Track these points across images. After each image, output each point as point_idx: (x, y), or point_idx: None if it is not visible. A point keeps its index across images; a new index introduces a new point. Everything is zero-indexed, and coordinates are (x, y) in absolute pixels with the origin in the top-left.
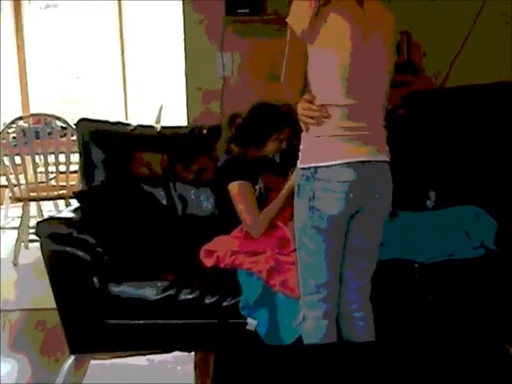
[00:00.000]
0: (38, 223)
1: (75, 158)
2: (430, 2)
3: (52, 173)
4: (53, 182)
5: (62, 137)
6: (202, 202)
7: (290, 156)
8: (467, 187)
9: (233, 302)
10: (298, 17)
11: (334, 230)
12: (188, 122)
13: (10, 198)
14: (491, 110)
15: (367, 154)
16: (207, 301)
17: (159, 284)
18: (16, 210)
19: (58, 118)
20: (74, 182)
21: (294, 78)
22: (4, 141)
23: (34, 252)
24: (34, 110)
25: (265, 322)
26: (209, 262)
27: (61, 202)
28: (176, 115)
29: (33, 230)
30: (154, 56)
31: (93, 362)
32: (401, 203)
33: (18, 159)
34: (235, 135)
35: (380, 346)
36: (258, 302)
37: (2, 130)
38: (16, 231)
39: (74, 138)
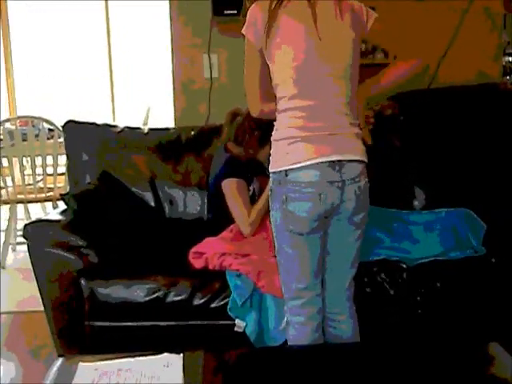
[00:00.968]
0: (26, 225)
1: (62, 160)
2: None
3: (39, 175)
4: (40, 185)
5: (49, 139)
6: (191, 203)
7: None
8: (456, 189)
9: (221, 303)
10: (253, 25)
11: (308, 233)
12: (175, 124)
13: None
14: (480, 112)
15: (335, 154)
16: (195, 302)
17: (147, 286)
18: (3, 213)
19: (45, 120)
20: (62, 184)
21: (252, 86)
22: None
23: (21, 254)
24: (20, 111)
25: (253, 324)
26: (198, 264)
27: (48, 205)
28: (163, 117)
29: (20, 233)
30: (141, 57)
31: (81, 364)
32: (388, 203)
33: (4, 161)
34: (235, 134)
35: (367, 347)
36: (246, 304)
37: None
38: (3, 234)
39: (62, 139)
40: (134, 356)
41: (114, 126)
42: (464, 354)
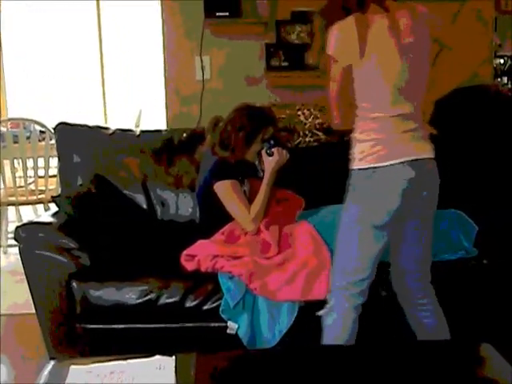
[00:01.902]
0: (17, 228)
1: (54, 162)
2: None
3: (31, 177)
4: (31, 187)
5: (40, 141)
6: (183, 205)
7: None
8: (447, 190)
9: (213, 305)
10: (343, 47)
11: (389, 228)
12: (167, 126)
13: None
14: (471, 113)
15: (419, 153)
16: (188, 304)
17: (139, 288)
18: None
19: (37, 122)
20: (53, 186)
21: (344, 106)
22: None
23: (12, 257)
24: (12, 113)
25: (246, 326)
26: (190, 266)
27: (40, 207)
28: (155, 119)
29: (11, 235)
30: (133, 59)
31: (73, 366)
32: None
33: None
34: (220, 139)
35: (360, 349)
36: (238, 306)
37: None
38: None
39: (53, 141)
40: (126, 358)
41: (106, 128)
42: (456, 355)
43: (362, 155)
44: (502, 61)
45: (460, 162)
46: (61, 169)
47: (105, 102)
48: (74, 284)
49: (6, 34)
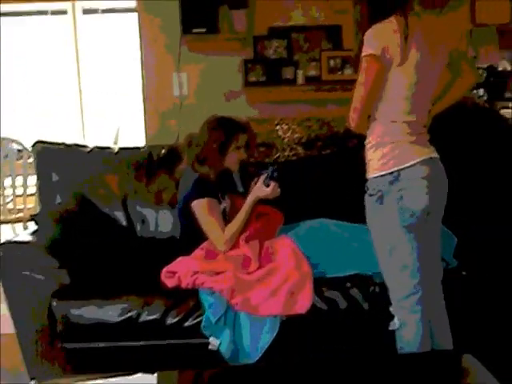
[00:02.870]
0: None
1: (32, 180)
2: None
3: (9, 196)
4: (10, 206)
5: (18, 159)
6: (163, 222)
7: (249, 175)
8: None
9: (195, 322)
10: (385, 47)
11: (424, 225)
12: (146, 142)
13: None
14: (448, 127)
15: (430, 153)
16: (169, 322)
17: (120, 306)
18: None
19: (14, 141)
20: (32, 204)
21: (368, 108)
22: None
23: None
24: None
25: (227, 342)
26: (170, 283)
27: (18, 226)
28: (134, 135)
29: None
30: (111, 76)
31: None
32: (356, 215)
33: None
34: (195, 154)
35: (343, 362)
36: (220, 322)
37: None
38: None
39: (31, 160)
40: (108, 377)
41: (84, 146)
42: (439, 366)
43: (385, 160)
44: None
45: None
46: (39, 187)
47: (83, 120)
48: (55, 303)
49: None
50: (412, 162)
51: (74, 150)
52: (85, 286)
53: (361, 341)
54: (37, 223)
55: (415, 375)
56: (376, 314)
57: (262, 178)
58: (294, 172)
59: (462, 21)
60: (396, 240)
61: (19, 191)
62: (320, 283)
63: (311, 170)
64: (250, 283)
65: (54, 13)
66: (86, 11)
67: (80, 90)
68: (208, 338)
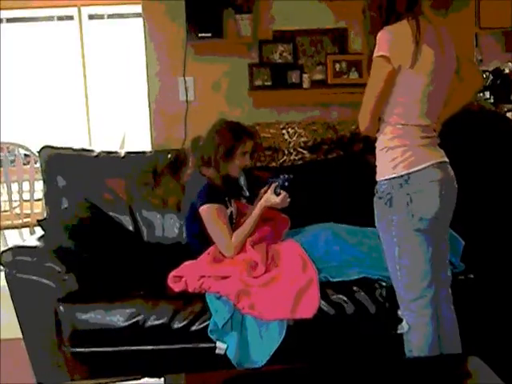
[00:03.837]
0: (2, 252)
1: (39, 185)
2: None
3: (16, 201)
4: (17, 211)
5: (25, 164)
6: (169, 227)
7: (254, 179)
8: None
9: (202, 326)
10: (398, 48)
11: (433, 229)
12: (152, 147)
13: None
14: (455, 130)
15: (440, 157)
16: (175, 326)
17: (127, 310)
18: None
19: (21, 146)
20: (39, 209)
21: (378, 110)
22: None
23: (2, 280)
24: None
25: (234, 346)
26: (177, 287)
27: (25, 231)
28: (140, 141)
29: None
30: (117, 81)
31: None
32: (362, 219)
33: None
34: (202, 157)
35: (349, 365)
36: (227, 326)
37: None
38: None
39: (38, 165)
40: (115, 381)
41: (91, 151)
42: (445, 368)
43: (395, 163)
44: (483, 76)
45: None
46: (46, 192)
47: (89, 125)
48: (61, 308)
49: None
50: (423, 166)
51: (80, 155)
52: (92, 290)
53: (368, 345)
54: (44, 228)
55: (422, 378)
56: (383, 318)
57: (273, 186)
58: (300, 176)
59: (466, 24)
60: (405, 243)
61: (26, 196)
62: (327, 287)
63: (317, 173)
64: (257, 287)
65: (60, 18)
66: (92, 17)
67: (86, 95)
68: (215, 343)
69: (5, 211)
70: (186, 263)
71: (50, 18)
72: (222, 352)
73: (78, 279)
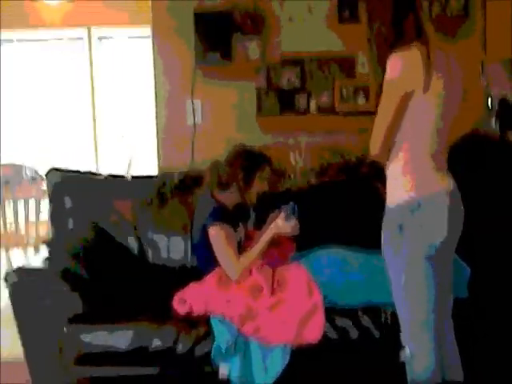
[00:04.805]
0: (8, 273)
1: (45, 206)
2: None
3: (21, 221)
4: (22, 231)
5: (31, 185)
6: (174, 249)
7: (263, 206)
8: None
9: (206, 350)
10: (410, 73)
11: (441, 256)
12: (159, 170)
13: None
14: (462, 158)
15: (451, 184)
16: (179, 350)
17: (131, 332)
18: None
19: (28, 168)
20: (44, 230)
21: (389, 136)
22: None
23: (3, 301)
24: (4, 159)
25: (238, 369)
26: (182, 310)
27: (30, 250)
28: (147, 162)
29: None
30: (125, 104)
31: None
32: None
33: None
34: (218, 180)
35: None
36: (230, 349)
37: None
38: None
39: (44, 187)
40: None
41: (98, 174)
42: None
43: (406, 188)
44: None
45: None
46: (52, 213)
47: (96, 148)
48: (65, 329)
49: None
50: (435, 191)
51: (87, 178)
52: (96, 312)
53: (372, 371)
54: (49, 249)
55: None
56: (388, 344)
57: (283, 214)
58: (307, 200)
59: (473, 51)
60: (413, 270)
61: (32, 217)
62: (331, 311)
63: (324, 197)
64: (262, 311)
65: (70, 39)
66: (102, 38)
67: (94, 119)
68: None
69: (9, 231)
70: (191, 285)
71: (60, 39)
72: (225, 377)
73: (83, 300)
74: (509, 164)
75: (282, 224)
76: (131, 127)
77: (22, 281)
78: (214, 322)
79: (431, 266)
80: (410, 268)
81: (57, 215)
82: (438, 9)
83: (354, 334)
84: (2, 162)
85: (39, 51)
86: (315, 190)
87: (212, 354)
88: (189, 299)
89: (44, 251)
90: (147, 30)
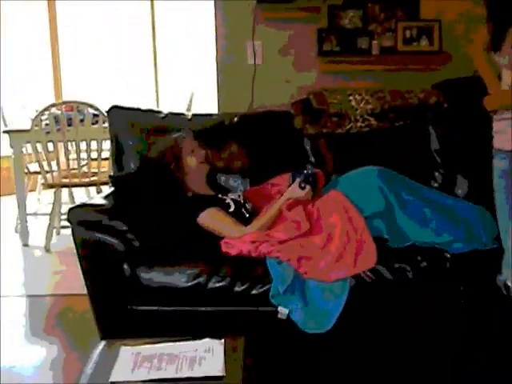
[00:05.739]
0: (70, 210)
1: (107, 145)
2: None
3: (84, 159)
4: (84, 169)
5: (94, 124)
6: (233, 188)
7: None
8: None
9: (262, 289)
10: None
11: None
12: (218, 110)
13: (43, 184)
14: None
15: None
16: (237, 289)
17: (189, 271)
18: (48, 197)
19: (91, 106)
20: (106, 168)
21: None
22: (37, 128)
23: (65, 238)
24: (66, 97)
25: (298, 310)
26: (233, 251)
27: (92, 189)
28: (207, 103)
29: (64, 217)
30: (186, 43)
31: (123, 347)
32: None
33: (50, 146)
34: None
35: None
36: (289, 290)
37: (35, 117)
38: (48, 217)
39: (106, 125)
40: (175, 341)
41: (158, 112)
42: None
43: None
44: None
45: None
46: (113, 152)
47: (157, 87)
48: (125, 266)
49: (63, 18)
50: None
51: (148, 116)
52: (154, 250)
53: (429, 315)
54: (114, 184)
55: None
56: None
57: (298, 180)
58: (366, 143)
59: None
60: None
61: (94, 155)
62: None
63: (383, 141)
64: (316, 250)
65: None
66: None
67: (155, 58)
68: (276, 307)
69: (73, 169)
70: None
71: None
72: (284, 317)
73: (141, 238)
74: None
75: (295, 190)
76: (192, 67)
77: (83, 217)
78: (270, 264)
79: None
80: None
81: (118, 153)
82: None
83: (410, 275)
84: (65, 100)
85: None
86: (375, 134)
87: (270, 296)
88: (235, 243)
89: (105, 189)
90: None
